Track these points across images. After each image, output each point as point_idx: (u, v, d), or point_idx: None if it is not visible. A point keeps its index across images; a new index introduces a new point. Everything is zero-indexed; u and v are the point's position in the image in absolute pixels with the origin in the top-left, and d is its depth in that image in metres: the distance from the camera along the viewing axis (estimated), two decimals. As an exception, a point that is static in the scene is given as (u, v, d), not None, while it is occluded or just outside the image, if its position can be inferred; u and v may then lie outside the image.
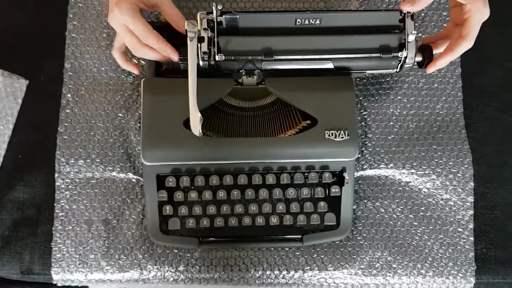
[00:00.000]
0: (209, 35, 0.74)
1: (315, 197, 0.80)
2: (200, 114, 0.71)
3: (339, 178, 0.80)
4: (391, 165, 0.86)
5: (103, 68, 0.87)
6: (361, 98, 0.88)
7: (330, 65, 0.77)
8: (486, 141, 0.88)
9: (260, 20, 0.76)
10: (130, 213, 0.84)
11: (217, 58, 0.74)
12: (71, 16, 0.88)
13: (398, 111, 0.88)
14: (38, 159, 0.85)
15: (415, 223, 0.85)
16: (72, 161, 0.84)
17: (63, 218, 0.83)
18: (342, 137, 0.75)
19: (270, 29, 0.76)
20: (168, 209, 0.79)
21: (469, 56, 0.82)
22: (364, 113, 0.88)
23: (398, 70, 0.80)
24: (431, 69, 0.77)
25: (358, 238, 0.84)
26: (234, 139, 0.76)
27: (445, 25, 0.91)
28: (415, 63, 0.79)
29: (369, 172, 0.87)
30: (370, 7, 0.91)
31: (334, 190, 0.79)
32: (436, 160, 0.87)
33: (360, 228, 0.85)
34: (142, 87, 0.77)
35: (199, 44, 0.74)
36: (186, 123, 0.74)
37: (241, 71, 0.78)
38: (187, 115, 0.73)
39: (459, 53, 0.75)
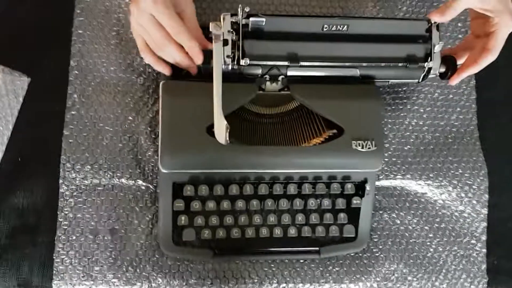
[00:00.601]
0: (233, 38, 0.71)
1: (336, 208, 0.78)
2: (226, 122, 0.67)
3: (360, 188, 0.78)
4: (408, 176, 0.85)
5: (112, 68, 0.82)
6: (378, 107, 0.87)
7: (356, 73, 0.75)
8: (500, 152, 0.88)
9: (286, 24, 0.73)
10: (139, 222, 0.79)
11: (241, 62, 0.71)
12: (78, 11, 0.83)
13: (415, 121, 0.87)
14: (40, 163, 0.79)
15: (430, 235, 0.84)
16: (78, 167, 0.79)
17: (66, 227, 0.77)
18: (369, 148, 0.73)
19: (296, 34, 0.73)
20: (183, 219, 0.75)
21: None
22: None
23: (420, 80, 0.79)
24: (455, 80, 0.77)
25: (374, 250, 0.83)
26: (258, 147, 0.73)
27: (460, 36, 0.91)
28: (438, 74, 0.78)
29: (385, 183, 0.85)
30: (385, 11, 0.89)
31: (356, 201, 0.77)
32: (452, 172, 0.86)
33: (376, 240, 0.83)
34: (161, 89, 0.73)
35: (223, 48, 0.70)
36: (209, 130, 0.71)
37: (265, 76, 0.75)
38: (210, 121, 0.70)
39: (483, 66, 0.74)
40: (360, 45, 0.74)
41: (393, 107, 0.88)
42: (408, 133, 0.87)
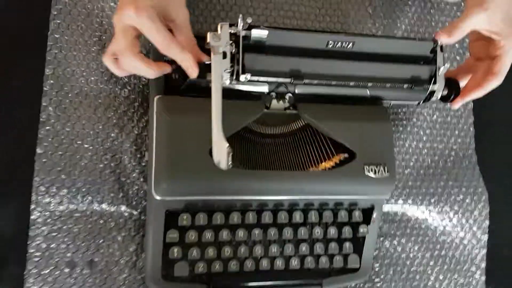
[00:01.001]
0: (233, 50, 0.64)
1: (341, 237, 0.72)
2: (227, 144, 0.61)
3: (366, 216, 0.73)
4: (409, 201, 0.81)
5: (92, 78, 0.73)
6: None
7: (366, 93, 0.70)
8: (499, 177, 0.86)
9: (290, 38, 0.67)
10: (121, 253, 0.70)
11: (241, 78, 0.64)
12: (55, 13, 0.72)
13: (415, 143, 0.84)
14: (10, 185, 0.68)
15: (430, 263, 0.81)
16: (54, 190, 0.68)
17: (38, 259, 0.67)
18: (382, 174, 0.68)
19: (299, 49, 0.67)
20: (176, 252, 0.66)
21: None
22: (382, 145, 0.82)
23: (421, 102, 0.75)
24: (458, 104, 0.74)
25: (376, 280, 0.79)
26: (265, 172, 0.66)
27: (458, 58, 0.89)
28: (439, 97, 0.75)
29: (386, 208, 0.81)
30: (384, 29, 0.86)
31: (362, 230, 0.72)
32: (453, 197, 0.83)
33: (377, 269, 0.79)
34: (156, 105, 0.64)
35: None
36: (211, 152, 0.63)
37: (271, 94, 0.69)
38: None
39: (488, 90, 0.71)
40: (365, 64, 0.69)
41: (392, 129, 0.83)
42: (408, 156, 0.83)
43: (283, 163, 0.69)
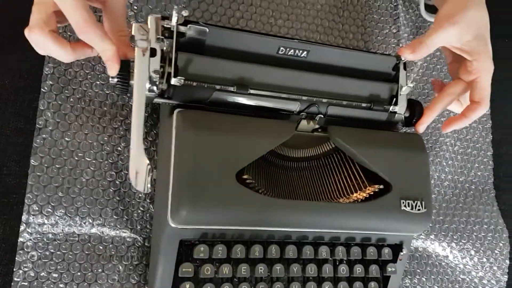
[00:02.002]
0: (164, 48, 0.56)
1: (368, 276, 0.65)
2: (148, 162, 0.52)
3: (394, 253, 0.67)
4: (432, 236, 0.76)
5: (98, 82, 0.64)
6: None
7: (315, 110, 0.63)
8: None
9: (235, 39, 0.59)
10: (122, 285, 0.61)
11: (172, 81, 0.55)
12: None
13: (437, 174, 0.79)
14: (-4, 202, 0.58)
15: (449, 303, 0.76)
16: (49, 209, 0.59)
17: (24, 290, 0.57)
18: (419, 209, 0.62)
19: (245, 53, 0.60)
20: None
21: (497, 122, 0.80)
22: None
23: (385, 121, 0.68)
24: (422, 127, 0.67)
25: (395, 320, 0.72)
26: (294, 201, 0.59)
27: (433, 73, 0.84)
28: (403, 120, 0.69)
29: (408, 244, 0.75)
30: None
31: (390, 269, 0.66)
32: (475, 234, 0.79)
33: (398, 309, 0.72)
34: (175, 120, 0.56)
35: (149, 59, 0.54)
36: (239, 177, 0.56)
37: (301, 114, 0.62)
38: (243, 164, 0.56)
39: (474, 119, 0.66)
40: (320, 76, 0.63)
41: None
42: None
43: (310, 191, 0.62)
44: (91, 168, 0.62)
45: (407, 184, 0.63)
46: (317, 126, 0.64)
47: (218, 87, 0.57)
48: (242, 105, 0.59)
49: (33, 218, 0.58)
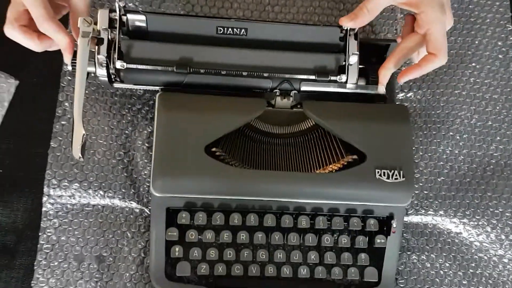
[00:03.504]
0: (111, 36, 0.62)
1: (355, 247, 0.67)
2: (84, 132, 0.59)
3: (384, 225, 0.67)
4: (441, 212, 0.74)
5: (110, 76, 0.74)
6: (407, 132, 0.76)
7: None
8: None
9: (174, 24, 0.65)
10: (130, 250, 0.70)
11: (117, 65, 0.63)
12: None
13: (450, 149, 0.76)
14: (23, 176, 0.71)
15: (464, 282, 0.73)
16: (65, 184, 0.70)
17: (48, 251, 0.68)
18: (396, 178, 0.62)
19: (186, 36, 0.65)
20: (177, 251, 0.65)
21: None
22: (412, 149, 0.76)
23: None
24: (380, 87, 0.65)
25: (399, 296, 0.72)
26: (264, 171, 0.63)
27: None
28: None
29: (414, 219, 0.74)
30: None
31: (379, 240, 0.66)
32: (491, 210, 0.75)
33: (402, 286, 0.72)
34: (157, 102, 0.64)
35: (97, 47, 0.62)
36: (209, 149, 0.61)
37: (275, 90, 0.66)
38: (210, 140, 0.61)
39: (428, 70, 0.63)
40: (259, 52, 0.65)
41: (424, 132, 0.77)
42: (442, 163, 0.76)
43: (288, 164, 0.65)
44: (103, 148, 0.72)
45: (383, 154, 0.63)
46: (294, 103, 0.67)
47: (159, 68, 0.63)
48: (215, 85, 0.65)
49: (53, 191, 0.70)
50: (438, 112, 0.78)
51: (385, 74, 0.64)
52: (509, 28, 0.82)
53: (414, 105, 0.78)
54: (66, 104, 0.72)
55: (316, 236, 0.66)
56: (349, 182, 0.62)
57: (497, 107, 0.79)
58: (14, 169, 0.71)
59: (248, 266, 0.66)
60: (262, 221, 0.65)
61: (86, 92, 0.73)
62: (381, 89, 0.65)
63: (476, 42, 0.81)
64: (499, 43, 0.81)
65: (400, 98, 0.78)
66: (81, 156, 0.59)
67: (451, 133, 0.77)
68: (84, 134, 0.59)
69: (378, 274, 0.67)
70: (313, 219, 0.66)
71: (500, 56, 0.81)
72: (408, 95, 0.78)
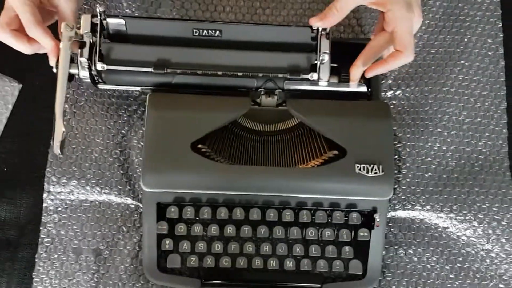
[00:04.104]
0: (92, 40, 0.66)
1: (339, 240, 0.69)
2: (64, 130, 0.63)
3: (368, 219, 0.69)
4: (428, 207, 0.75)
5: (107, 78, 0.78)
6: (395, 128, 0.78)
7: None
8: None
9: (151, 27, 0.69)
10: (125, 243, 0.73)
11: (98, 66, 0.66)
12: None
13: (437, 145, 0.78)
14: (26, 174, 0.75)
15: (451, 276, 0.74)
16: (64, 180, 0.74)
17: (48, 244, 0.72)
18: (376, 173, 0.64)
19: (163, 38, 0.68)
20: (168, 244, 0.68)
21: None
22: (399, 145, 0.77)
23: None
24: (352, 84, 0.68)
25: (386, 290, 0.73)
26: (248, 167, 0.66)
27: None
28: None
29: (401, 214, 0.75)
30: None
31: (362, 233, 0.68)
32: (478, 205, 0.76)
33: (389, 279, 0.73)
34: (148, 102, 0.67)
35: (80, 50, 0.66)
36: (194, 146, 0.65)
37: (259, 90, 0.68)
38: (196, 137, 0.64)
39: (395, 66, 0.65)
40: (234, 52, 0.68)
41: (412, 129, 0.78)
42: (429, 159, 0.77)
43: (273, 160, 0.68)
44: (100, 147, 0.76)
45: (363, 149, 0.65)
46: (280, 101, 0.70)
47: (139, 69, 0.67)
48: (202, 85, 0.68)
49: (52, 187, 0.74)
50: (426, 109, 0.79)
51: (355, 72, 0.67)
52: (499, 25, 0.83)
53: (403, 102, 0.79)
54: (66, 105, 0.76)
55: (300, 229, 0.68)
56: (329, 176, 0.65)
57: (486, 104, 0.80)
58: (18, 167, 0.76)
59: (235, 258, 0.68)
60: (248, 215, 0.68)
61: (85, 94, 0.77)
62: (352, 85, 0.67)
63: (465, 40, 0.82)
64: (489, 40, 0.82)
65: (388, 95, 0.80)
66: (60, 152, 0.63)
67: (439, 130, 0.78)
68: (63, 132, 0.63)
69: (363, 267, 0.69)
70: (297, 213, 0.68)
71: (489, 53, 0.82)
72: (397, 93, 0.80)
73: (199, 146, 0.65)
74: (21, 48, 0.66)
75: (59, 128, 0.63)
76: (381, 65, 0.64)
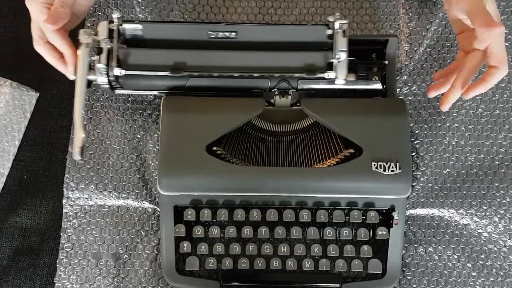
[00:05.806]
0: (109, 46, 0.66)
1: (357, 239, 0.68)
2: (84, 135, 0.64)
3: (386, 218, 0.68)
4: (447, 203, 0.74)
5: (121, 84, 0.79)
6: (412, 125, 0.77)
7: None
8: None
9: (167, 31, 0.69)
10: (144, 247, 0.74)
11: (115, 72, 0.67)
12: (89, 25, 0.80)
13: (455, 140, 0.77)
14: (45, 181, 0.76)
15: (473, 273, 0.73)
16: (82, 186, 0.75)
17: (69, 249, 0.73)
18: (393, 170, 0.64)
19: (180, 42, 0.69)
20: (185, 246, 0.68)
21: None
22: (416, 142, 0.76)
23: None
24: (446, 106, 0.65)
25: (407, 289, 0.72)
26: (264, 168, 0.66)
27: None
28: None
29: (421, 212, 0.74)
30: (414, 22, 0.81)
31: (381, 232, 0.68)
32: (498, 200, 0.74)
33: (409, 278, 0.72)
34: (162, 105, 0.68)
35: (98, 57, 0.67)
36: (209, 148, 0.65)
37: (273, 90, 0.68)
38: (211, 139, 0.64)
39: (494, 83, 0.62)
40: (249, 53, 0.67)
41: (429, 125, 0.77)
42: (447, 155, 0.76)
43: (289, 160, 0.68)
44: (116, 152, 0.76)
45: (380, 147, 0.64)
46: (294, 101, 0.69)
47: (156, 73, 0.67)
48: (216, 87, 0.68)
49: (71, 193, 0.75)
50: (442, 104, 0.78)
51: (453, 95, 0.63)
52: (515, 17, 0.82)
53: (419, 98, 0.78)
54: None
55: (319, 229, 0.68)
56: (346, 175, 0.64)
57: (505, 95, 0.78)
58: (37, 175, 0.77)
59: (253, 259, 0.68)
60: (265, 216, 0.67)
61: (101, 100, 0.78)
62: (446, 107, 0.65)
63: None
64: (506, 31, 0.81)
65: (404, 92, 0.79)
66: (80, 157, 0.64)
67: (456, 124, 0.77)
68: (83, 137, 0.64)
69: (382, 266, 0.68)
70: (314, 213, 0.68)
71: (507, 44, 0.80)
72: (412, 88, 0.79)
73: (214, 148, 0.65)
74: (54, 62, 0.68)
75: (79, 134, 0.64)
76: (481, 85, 0.62)
